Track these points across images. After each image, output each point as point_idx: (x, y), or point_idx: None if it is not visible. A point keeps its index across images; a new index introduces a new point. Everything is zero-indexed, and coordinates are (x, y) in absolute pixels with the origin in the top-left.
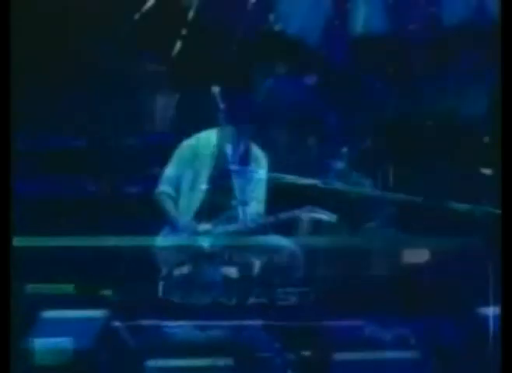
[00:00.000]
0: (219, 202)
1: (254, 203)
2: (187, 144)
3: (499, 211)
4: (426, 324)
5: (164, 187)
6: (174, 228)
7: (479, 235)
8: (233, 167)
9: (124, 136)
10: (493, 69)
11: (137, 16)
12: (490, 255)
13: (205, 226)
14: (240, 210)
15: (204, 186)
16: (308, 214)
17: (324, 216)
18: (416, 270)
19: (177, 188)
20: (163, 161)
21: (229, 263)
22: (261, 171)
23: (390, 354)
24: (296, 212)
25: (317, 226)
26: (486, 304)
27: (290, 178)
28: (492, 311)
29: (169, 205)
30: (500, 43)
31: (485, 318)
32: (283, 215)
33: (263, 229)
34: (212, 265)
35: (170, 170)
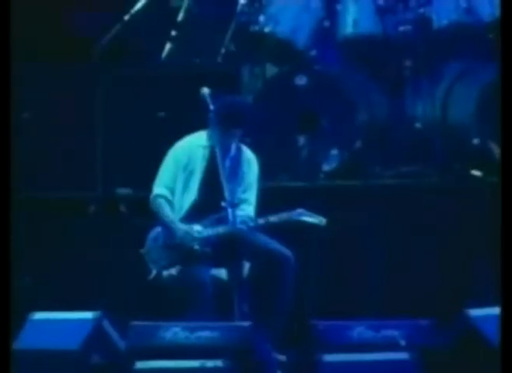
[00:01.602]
0: (209, 204)
1: (244, 206)
2: (180, 145)
3: (498, 210)
4: (419, 325)
5: (160, 190)
6: (172, 232)
7: (478, 235)
8: (224, 169)
9: (118, 137)
10: (485, 70)
11: (127, 16)
12: (490, 254)
13: (195, 228)
14: (230, 212)
15: (195, 188)
16: (298, 217)
17: (314, 219)
18: (412, 270)
19: (173, 190)
20: (156, 163)
21: (219, 264)
22: (252, 173)
23: (382, 356)
24: (287, 215)
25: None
26: (484, 304)
27: (281, 180)
28: (491, 311)
29: (166, 209)
30: (500, 43)
31: (483, 318)
32: (273, 218)
33: (253, 231)
34: (202, 266)
35: (164, 172)
